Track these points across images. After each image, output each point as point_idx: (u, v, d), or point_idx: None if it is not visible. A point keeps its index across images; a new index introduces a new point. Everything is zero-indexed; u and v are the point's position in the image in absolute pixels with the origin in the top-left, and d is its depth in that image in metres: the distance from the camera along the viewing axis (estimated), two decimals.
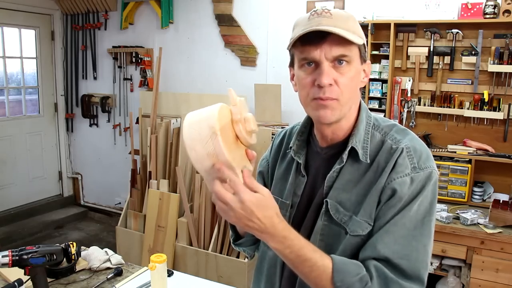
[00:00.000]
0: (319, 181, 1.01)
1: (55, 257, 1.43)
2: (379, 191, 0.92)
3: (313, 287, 0.90)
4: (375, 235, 0.91)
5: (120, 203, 4.64)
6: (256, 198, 0.80)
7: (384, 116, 2.91)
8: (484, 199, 2.80)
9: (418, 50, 2.93)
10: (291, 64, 0.99)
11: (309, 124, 1.08)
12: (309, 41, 0.90)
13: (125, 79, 4.43)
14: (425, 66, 2.95)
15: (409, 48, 2.96)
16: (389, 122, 1.02)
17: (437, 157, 2.79)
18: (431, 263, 2.60)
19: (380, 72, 3.04)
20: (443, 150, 2.84)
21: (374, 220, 0.92)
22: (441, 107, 2.92)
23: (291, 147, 1.08)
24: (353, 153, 0.97)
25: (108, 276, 1.68)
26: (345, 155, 0.97)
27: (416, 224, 0.90)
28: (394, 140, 0.96)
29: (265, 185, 1.16)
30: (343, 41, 0.89)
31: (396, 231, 0.89)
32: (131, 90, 4.43)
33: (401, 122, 3.01)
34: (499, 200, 2.58)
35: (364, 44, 0.94)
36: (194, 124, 0.82)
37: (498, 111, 2.75)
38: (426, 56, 2.92)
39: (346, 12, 0.94)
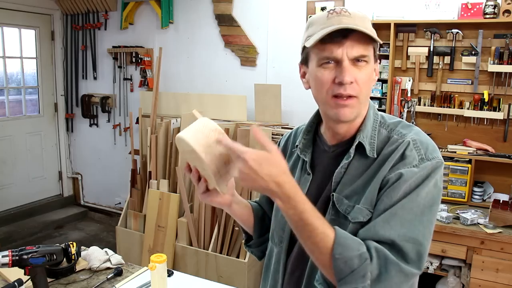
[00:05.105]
0: (327, 178, 1.02)
1: (55, 257, 1.43)
2: (382, 178, 0.92)
3: (310, 253, 0.90)
4: (379, 217, 0.90)
5: (120, 203, 4.64)
6: (258, 155, 0.82)
7: None
8: (484, 199, 2.80)
9: (418, 50, 2.93)
10: (304, 62, 1.00)
11: (315, 123, 1.10)
12: (330, 39, 0.90)
13: (125, 79, 4.43)
14: (425, 66, 2.95)
15: (409, 48, 2.96)
16: (395, 119, 1.03)
17: None
18: (431, 263, 2.61)
19: (380, 72, 3.04)
20: (443, 150, 2.84)
21: (375, 204, 0.92)
22: (441, 107, 2.92)
23: (297, 145, 1.09)
24: (361, 148, 0.98)
25: (108, 276, 1.69)
26: (352, 150, 0.98)
27: (423, 211, 0.90)
28: (400, 135, 0.98)
29: None
30: (363, 41, 0.91)
31: (403, 214, 0.89)
32: (131, 90, 4.43)
33: None
34: (499, 200, 2.58)
35: (378, 43, 0.96)
36: (197, 133, 0.91)
37: (498, 111, 2.75)
38: (426, 56, 2.92)
39: (362, 13, 0.95)
